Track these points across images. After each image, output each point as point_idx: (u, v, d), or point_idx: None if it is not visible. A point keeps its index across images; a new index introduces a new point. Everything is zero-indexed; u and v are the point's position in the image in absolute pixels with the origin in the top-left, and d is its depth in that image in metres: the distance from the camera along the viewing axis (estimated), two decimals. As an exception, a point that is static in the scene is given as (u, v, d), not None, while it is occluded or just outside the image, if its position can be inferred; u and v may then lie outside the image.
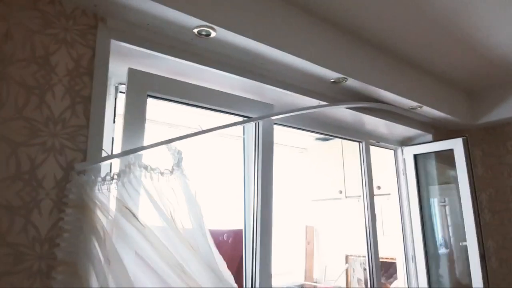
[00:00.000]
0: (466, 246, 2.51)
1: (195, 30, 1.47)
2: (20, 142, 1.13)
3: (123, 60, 1.52)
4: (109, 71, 1.39)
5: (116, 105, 1.60)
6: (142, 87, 1.47)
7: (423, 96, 2.46)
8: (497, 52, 2.27)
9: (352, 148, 3.36)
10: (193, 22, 1.42)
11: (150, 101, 1.54)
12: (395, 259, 3.08)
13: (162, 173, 1.29)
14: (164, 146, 1.39)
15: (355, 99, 2.26)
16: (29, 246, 1.09)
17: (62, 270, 1.08)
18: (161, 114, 2.78)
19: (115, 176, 1.21)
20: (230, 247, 2.61)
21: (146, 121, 1.47)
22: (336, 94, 2.18)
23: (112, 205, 1.22)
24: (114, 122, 1.56)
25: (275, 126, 1.99)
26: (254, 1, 1.62)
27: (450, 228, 2.82)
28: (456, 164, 2.59)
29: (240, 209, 1.89)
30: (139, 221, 1.23)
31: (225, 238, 2.65)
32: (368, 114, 2.35)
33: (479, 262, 2.40)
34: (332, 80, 1.98)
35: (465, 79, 2.73)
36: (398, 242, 2.90)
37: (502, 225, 2.93)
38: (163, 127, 2.95)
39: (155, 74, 1.54)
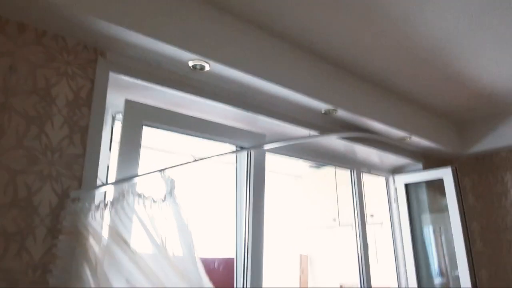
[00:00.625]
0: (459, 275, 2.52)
1: (190, 64, 1.55)
2: (18, 170, 1.18)
3: (120, 91, 1.59)
4: (107, 102, 1.45)
5: (112, 134, 1.66)
6: (138, 118, 1.53)
7: (412, 126, 2.53)
8: (484, 84, 2.37)
9: (345, 175, 3.41)
10: (188, 57, 1.50)
11: (146, 128, 1.60)
12: (389, 288, 3.06)
13: (154, 201, 1.33)
14: (157, 174, 1.43)
15: (345, 129, 2.33)
16: (22, 272, 1.12)
17: (53, 296, 1.10)
18: (157, 141, 2.83)
19: (109, 204, 1.25)
20: (221, 275, 2.60)
21: (142, 147, 1.52)
22: (327, 124, 2.25)
23: (105, 232, 1.25)
24: (110, 150, 1.61)
25: (268, 154, 2.04)
26: (246, 36, 1.72)
27: (446, 257, 2.82)
28: (446, 193, 2.64)
29: (231, 237, 1.91)
30: (130, 248, 1.25)
31: (216, 266, 2.65)
32: (359, 143, 2.42)
33: (471, 292, 2.40)
34: (323, 111, 2.05)
35: (453, 110, 2.82)
36: (392, 269, 2.89)
37: (494, 254, 2.94)
38: (158, 153, 3.00)
39: (151, 105, 1.60)
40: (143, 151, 1.53)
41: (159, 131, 1.68)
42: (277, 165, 3.90)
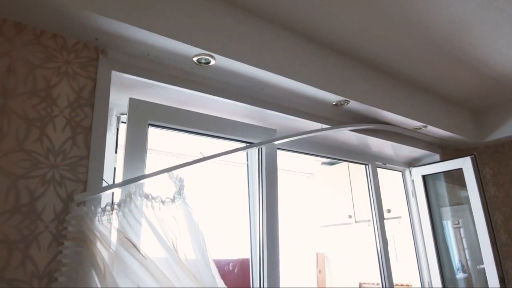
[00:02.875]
0: (483, 269, 2.41)
1: (195, 59, 1.49)
2: (20, 174, 1.12)
3: (124, 91, 1.54)
4: (111, 102, 1.40)
5: (118, 136, 1.60)
6: (143, 116, 1.47)
7: (427, 115, 2.44)
8: (499, 69, 2.26)
9: (359, 171, 3.31)
10: (192, 51, 1.44)
11: (153, 131, 1.54)
12: (410, 285, 2.96)
13: (163, 202, 1.26)
14: (165, 175, 1.37)
15: (358, 121, 2.25)
16: (27, 282, 1.06)
17: (60, 306, 1.04)
18: (164, 144, 2.78)
19: (116, 206, 1.19)
20: (236, 277, 2.53)
21: (149, 151, 1.46)
22: (339, 117, 2.17)
23: (114, 237, 1.19)
24: (116, 152, 1.56)
25: (280, 152, 1.97)
26: (251, 28, 1.65)
27: (466, 251, 2.71)
28: (467, 183, 2.53)
29: (246, 237, 1.84)
30: (140, 253, 1.19)
31: (230, 268, 2.57)
32: (373, 136, 2.33)
33: (499, 285, 2.29)
34: (334, 103, 1.97)
35: (469, 98, 2.71)
36: (412, 267, 2.79)
37: (520, 246, 2.82)
38: (166, 157, 2.95)
39: (156, 103, 1.54)
40: (149, 155, 1.47)
41: (165, 132, 1.62)
42: (289, 164, 3.82)
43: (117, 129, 1.60)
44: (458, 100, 2.74)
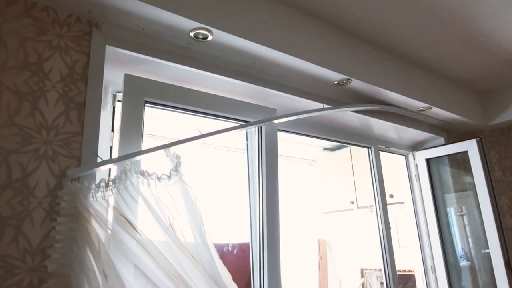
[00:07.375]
0: (488, 254, 2.37)
1: (192, 33, 1.44)
2: (11, 149, 1.09)
3: (119, 67, 1.49)
4: (106, 79, 1.35)
5: (114, 114, 1.56)
6: (139, 93, 1.43)
7: (432, 97, 2.38)
8: (507, 47, 2.19)
9: (361, 156, 3.26)
10: (189, 25, 1.39)
11: (152, 115, 1.50)
12: (413, 271, 2.94)
13: (159, 178, 1.23)
14: (162, 152, 1.33)
15: (360, 102, 2.20)
16: (20, 258, 1.03)
17: (53, 283, 1.01)
18: (164, 130, 2.74)
19: (110, 183, 1.16)
20: (236, 259, 2.50)
21: (149, 136, 1.43)
22: (341, 97, 2.12)
23: (110, 216, 1.16)
24: (112, 131, 1.52)
25: (281, 138, 1.92)
26: (251, 2, 1.60)
27: (470, 239, 2.67)
28: (472, 167, 2.48)
29: (246, 222, 1.81)
30: (136, 231, 1.16)
31: (230, 249, 2.55)
32: (376, 117, 2.28)
33: (505, 269, 2.26)
34: (336, 82, 1.92)
35: (475, 78, 2.65)
36: (415, 252, 2.76)
37: (526, 230, 2.78)
38: (167, 142, 2.91)
39: (152, 80, 1.50)
40: (150, 140, 1.43)
41: (165, 117, 1.58)
42: (290, 150, 3.78)
43: (114, 108, 1.57)
44: (464, 80, 2.68)
